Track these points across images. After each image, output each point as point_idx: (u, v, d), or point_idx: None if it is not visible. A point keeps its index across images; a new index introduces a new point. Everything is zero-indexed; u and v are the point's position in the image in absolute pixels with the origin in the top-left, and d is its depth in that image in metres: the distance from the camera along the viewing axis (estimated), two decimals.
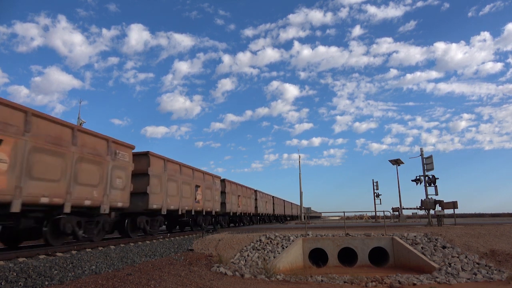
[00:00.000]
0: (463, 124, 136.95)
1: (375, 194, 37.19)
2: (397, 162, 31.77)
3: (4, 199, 7.28)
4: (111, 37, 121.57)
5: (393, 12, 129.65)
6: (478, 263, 11.58)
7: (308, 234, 15.16)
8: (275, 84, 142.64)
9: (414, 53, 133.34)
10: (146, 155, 13.27)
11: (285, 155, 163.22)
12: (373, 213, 38.56)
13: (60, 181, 8.76)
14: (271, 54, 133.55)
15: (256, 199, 30.56)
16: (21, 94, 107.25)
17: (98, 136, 10.43)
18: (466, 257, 12.07)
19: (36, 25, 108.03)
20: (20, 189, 7.60)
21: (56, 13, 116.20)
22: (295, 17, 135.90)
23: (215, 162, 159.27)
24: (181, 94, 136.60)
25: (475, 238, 14.24)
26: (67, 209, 8.92)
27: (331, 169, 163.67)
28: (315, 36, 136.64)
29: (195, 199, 17.02)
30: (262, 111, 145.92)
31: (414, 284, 9.67)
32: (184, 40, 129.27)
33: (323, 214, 71.57)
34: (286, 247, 13.51)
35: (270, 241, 14.02)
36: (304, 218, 36.53)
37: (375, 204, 37.13)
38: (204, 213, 18.23)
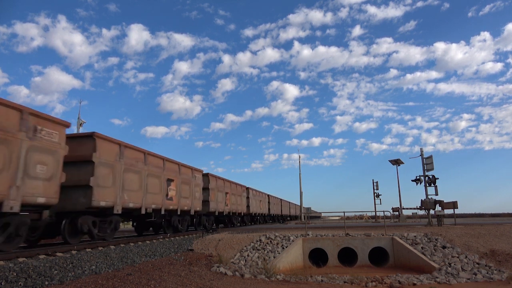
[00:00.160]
0: (463, 124, 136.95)
1: (375, 194, 37.22)
2: (397, 162, 31.78)
3: None
4: (111, 37, 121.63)
5: (393, 12, 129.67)
6: (478, 263, 11.59)
7: (308, 234, 15.16)
8: (275, 84, 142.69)
9: (414, 53, 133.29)
10: (90, 137, 10.30)
11: (285, 155, 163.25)
12: (373, 213, 38.60)
13: None
14: (271, 54, 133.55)
15: (248, 198, 27.80)
16: (21, 94, 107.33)
17: (5, 104, 7.55)
18: (466, 257, 12.07)
19: (36, 25, 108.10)
20: None
21: (56, 13, 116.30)
22: (295, 17, 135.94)
23: (215, 162, 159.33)
24: (181, 94, 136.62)
25: (475, 238, 14.24)
26: None
27: (331, 169, 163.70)
28: (315, 36, 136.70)
29: (167, 195, 14.11)
30: (262, 111, 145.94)
31: (414, 284, 9.67)
32: (184, 40, 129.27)
33: (323, 214, 71.59)
34: (286, 247, 13.52)
35: (270, 241, 14.03)
36: (304, 218, 36.55)
37: (375, 204, 37.18)
38: (179, 213, 15.31)
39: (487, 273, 10.67)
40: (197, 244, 13.82)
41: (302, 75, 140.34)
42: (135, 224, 15.34)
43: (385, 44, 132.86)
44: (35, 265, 7.12)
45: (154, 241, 12.99)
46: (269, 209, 35.98)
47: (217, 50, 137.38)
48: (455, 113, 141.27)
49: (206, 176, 19.50)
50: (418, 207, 22.44)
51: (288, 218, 51.14)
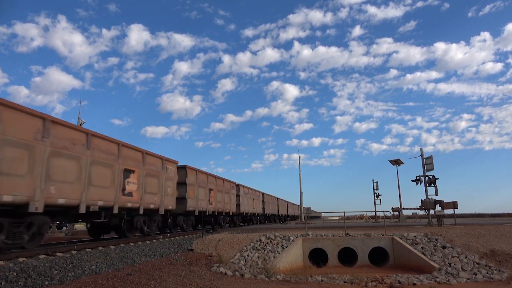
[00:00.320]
0: (463, 124, 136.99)
1: (375, 194, 37.24)
2: (397, 162, 31.78)
3: None
4: (111, 37, 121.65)
5: (393, 12, 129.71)
6: (478, 263, 11.58)
7: (308, 234, 15.16)
8: (275, 84, 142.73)
9: (414, 53, 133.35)
10: None
11: (285, 155, 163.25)
12: (373, 213, 38.59)
13: None
14: (271, 54, 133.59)
15: (238, 195, 25.19)
16: (21, 94, 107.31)
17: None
18: (466, 257, 12.07)
19: (36, 25, 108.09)
20: None
21: (56, 13, 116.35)
22: (295, 17, 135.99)
23: (215, 162, 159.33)
24: (181, 94, 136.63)
25: (475, 238, 14.24)
26: None
27: (331, 169, 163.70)
28: (315, 36, 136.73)
29: (123, 190, 11.40)
30: (262, 111, 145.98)
31: (414, 284, 9.67)
32: (184, 40, 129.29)
33: (323, 214, 71.68)
34: (286, 247, 13.52)
35: (270, 241, 14.02)
36: (304, 218, 36.56)
37: (375, 204, 37.20)
38: (141, 212, 12.50)
39: (487, 273, 10.67)
40: (197, 244, 13.82)
41: (302, 75, 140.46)
42: (88, 226, 13.05)
43: (385, 44, 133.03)
44: (35, 265, 7.12)
45: (154, 241, 12.99)
46: (263, 208, 33.48)
47: (217, 50, 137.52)
48: (455, 113, 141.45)
49: (182, 168, 16.49)
50: (418, 207, 22.46)
51: (288, 218, 51.09)
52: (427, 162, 21.32)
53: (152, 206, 13.22)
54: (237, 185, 25.46)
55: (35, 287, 6.44)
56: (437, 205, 20.46)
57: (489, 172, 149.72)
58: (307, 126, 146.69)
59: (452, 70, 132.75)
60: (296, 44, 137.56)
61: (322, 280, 10.11)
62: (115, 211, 10.98)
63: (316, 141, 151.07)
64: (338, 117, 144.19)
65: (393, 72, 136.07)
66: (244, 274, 10.22)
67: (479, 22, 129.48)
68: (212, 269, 10.49)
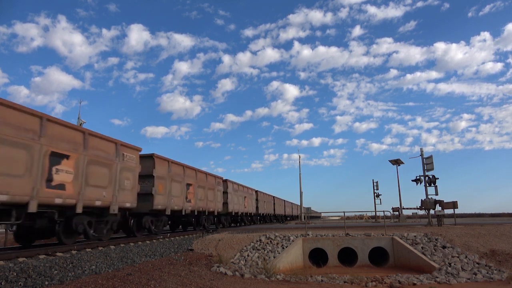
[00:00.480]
0: (463, 124, 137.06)
1: (375, 194, 37.20)
2: (397, 162, 31.77)
3: None
4: (111, 37, 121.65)
5: (393, 12, 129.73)
6: (478, 263, 11.59)
7: (308, 234, 15.16)
8: (275, 84, 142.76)
9: (414, 53, 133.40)
10: None
11: (285, 155, 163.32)
12: (373, 213, 38.58)
13: None
14: (271, 54, 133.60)
15: (226, 192, 22.60)
16: (21, 94, 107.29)
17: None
18: (466, 257, 12.07)
19: (36, 25, 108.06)
20: None
21: (56, 13, 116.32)
22: (295, 17, 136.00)
23: (215, 162, 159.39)
24: (181, 94, 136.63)
25: (475, 238, 14.24)
26: None
27: (331, 169, 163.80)
28: (315, 36, 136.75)
29: (50, 180, 8.58)
30: (262, 111, 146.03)
31: (414, 284, 9.67)
32: (184, 40, 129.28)
33: (323, 214, 71.56)
34: (286, 247, 13.52)
35: (270, 241, 14.03)
36: (304, 218, 36.55)
37: (375, 204, 37.16)
38: (79, 210, 9.47)
39: (487, 273, 10.67)
40: (197, 244, 13.82)
41: (302, 75, 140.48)
42: (14, 229, 10.17)
43: (385, 44, 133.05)
44: (35, 265, 7.12)
45: (154, 241, 12.99)
46: (257, 207, 30.88)
47: (217, 50, 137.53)
48: (455, 113, 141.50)
49: (148, 158, 13.57)
50: (418, 207, 22.44)
51: (288, 218, 51.01)
52: (427, 162, 21.32)
53: (98, 204, 10.27)
54: (225, 181, 22.68)
55: (35, 287, 6.44)
56: (437, 205, 20.46)
57: (489, 172, 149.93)
58: (307, 126, 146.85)
59: (452, 70, 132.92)
60: (296, 44, 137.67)
61: (322, 280, 10.11)
62: (32, 209, 8.03)
63: (316, 141, 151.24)
64: (338, 117, 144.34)
65: (393, 72, 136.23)
66: (244, 274, 10.22)
67: (479, 22, 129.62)
68: (212, 269, 10.49)
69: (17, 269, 6.70)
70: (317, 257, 14.04)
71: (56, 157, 8.86)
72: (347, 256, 14.11)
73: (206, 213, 18.74)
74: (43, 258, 7.85)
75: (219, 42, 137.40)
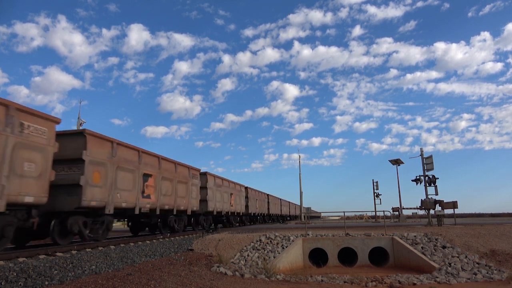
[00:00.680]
0: (463, 124, 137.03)
1: (375, 194, 37.20)
2: (397, 162, 31.77)
3: None
4: (111, 37, 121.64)
5: (393, 12, 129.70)
6: (478, 263, 11.59)
7: (308, 234, 15.17)
8: (275, 84, 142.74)
9: (414, 53, 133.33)
10: None
11: (285, 155, 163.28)
12: (373, 213, 38.57)
13: None
14: (271, 54, 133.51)
15: (205, 188, 19.04)
16: (21, 94, 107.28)
17: None
18: (466, 257, 12.07)
19: (36, 25, 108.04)
20: None
21: (56, 13, 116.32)
22: (295, 17, 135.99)
23: (215, 162, 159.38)
24: (181, 94, 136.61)
25: (475, 238, 14.25)
26: None
27: (331, 169, 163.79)
28: (315, 36, 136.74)
29: None
30: (262, 111, 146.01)
31: (414, 284, 9.67)
32: (184, 40, 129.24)
33: (323, 214, 71.50)
34: (286, 247, 13.52)
35: (270, 241, 14.03)
36: (304, 218, 36.56)
37: (375, 204, 37.16)
38: None
39: (487, 273, 10.67)
40: (197, 244, 13.82)
41: (302, 75, 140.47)
42: None
43: (385, 44, 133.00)
44: (35, 265, 7.12)
45: (154, 241, 12.99)
46: (247, 206, 27.82)
47: (217, 50, 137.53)
48: (455, 113, 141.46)
49: (77, 136, 10.05)
50: (418, 207, 22.45)
51: (288, 218, 50.97)
52: (427, 162, 21.32)
53: None
54: (203, 174, 19.29)
55: (35, 287, 6.44)
56: (437, 205, 20.47)
57: (489, 172, 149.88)
58: (307, 126, 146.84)
59: (452, 70, 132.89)
60: (296, 44, 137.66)
61: (322, 280, 10.11)
62: None
63: (316, 141, 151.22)
64: (338, 117, 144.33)
65: (393, 72, 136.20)
66: (244, 274, 10.22)
67: (479, 22, 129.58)
68: (212, 269, 10.49)
69: (17, 269, 6.70)
70: (317, 257, 14.04)
71: None
72: (347, 256, 14.11)
73: (175, 212, 15.05)
74: (43, 258, 7.85)
75: (219, 42, 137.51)
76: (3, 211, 7.36)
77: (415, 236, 14.39)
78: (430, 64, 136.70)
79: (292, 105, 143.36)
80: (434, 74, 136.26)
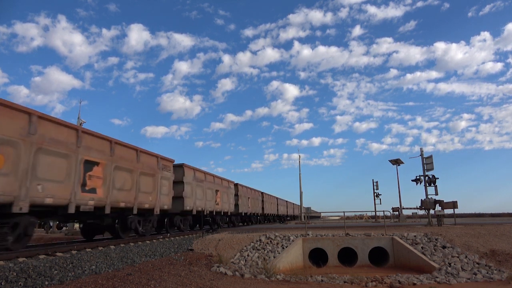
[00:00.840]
0: (463, 124, 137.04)
1: (375, 194, 37.17)
2: (397, 162, 31.76)
3: None
4: (111, 37, 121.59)
5: (393, 12, 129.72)
6: (478, 263, 11.59)
7: (308, 234, 15.16)
8: (275, 84, 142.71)
9: (414, 53, 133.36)
10: None
11: (285, 155, 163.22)
12: (373, 213, 38.57)
13: None
14: (271, 54, 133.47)
15: (182, 183, 16.21)
16: (21, 94, 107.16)
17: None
18: (466, 257, 12.07)
19: (36, 25, 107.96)
20: None
21: (56, 13, 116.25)
22: (295, 17, 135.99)
23: (215, 162, 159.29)
24: (181, 94, 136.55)
25: (475, 238, 14.24)
26: None
27: (331, 169, 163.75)
28: (315, 36, 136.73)
29: None
30: (262, 111, 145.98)
31: (414, 284, 9.67)
32: (184, 40, 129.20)
33: (322, 214, 71.55)
34: (286, 247, 13.52)
35: (270, 241, 14.03)
36: (304, 218, 36.55)
37: (375, 204, 37.14)
38: None
39: (487, 273, 10.67)
40: (197, 244, 13.82)
41: (302, 75, 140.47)
42: None
43: (385, 44, 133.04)
44: (35, 265, 7.12)
45: (154, 241, 12.98)
46: (237, 205, 25.03)
47: (217, 50, 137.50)
48: (455, 113, 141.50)
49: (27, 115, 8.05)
50: (418, 207, 22.44)
51: (288, 218, 50.89)
52: (427, 162, 21.32)
53: None
54: (179, 166, 16.26)
55: (35, 287, 6.44)
56: (437, 205, 20.45)
57: (489, 172, 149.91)
58: (307, 126, 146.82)
59: (452, 70, 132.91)
60: (296, 44, 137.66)
61: (322, 280, 10.11)
62: None
63: (316, 141, 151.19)
64: (338, 117, 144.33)
65: (393, 72, 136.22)
66: (244, 274, 10.22)
67: (479, 22, 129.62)
68: (212, 269, 10.49)
69: (17, 269, 6.70)
70: (317, 257, 14.04)
71: None
72: (347, 256, 14.11)
73: (135, 212, 12.33)
74: (43, 258, 7.85)
75: (219, 42, 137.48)
76: None
77: (415, 236, 14.39)
78: (430, 64, 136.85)
79: (292, 105, 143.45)
80: (434, 74, 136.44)
